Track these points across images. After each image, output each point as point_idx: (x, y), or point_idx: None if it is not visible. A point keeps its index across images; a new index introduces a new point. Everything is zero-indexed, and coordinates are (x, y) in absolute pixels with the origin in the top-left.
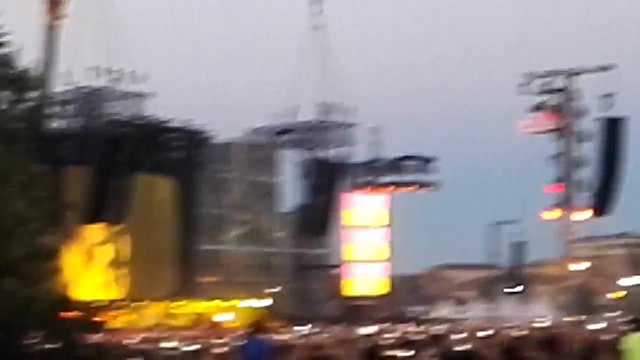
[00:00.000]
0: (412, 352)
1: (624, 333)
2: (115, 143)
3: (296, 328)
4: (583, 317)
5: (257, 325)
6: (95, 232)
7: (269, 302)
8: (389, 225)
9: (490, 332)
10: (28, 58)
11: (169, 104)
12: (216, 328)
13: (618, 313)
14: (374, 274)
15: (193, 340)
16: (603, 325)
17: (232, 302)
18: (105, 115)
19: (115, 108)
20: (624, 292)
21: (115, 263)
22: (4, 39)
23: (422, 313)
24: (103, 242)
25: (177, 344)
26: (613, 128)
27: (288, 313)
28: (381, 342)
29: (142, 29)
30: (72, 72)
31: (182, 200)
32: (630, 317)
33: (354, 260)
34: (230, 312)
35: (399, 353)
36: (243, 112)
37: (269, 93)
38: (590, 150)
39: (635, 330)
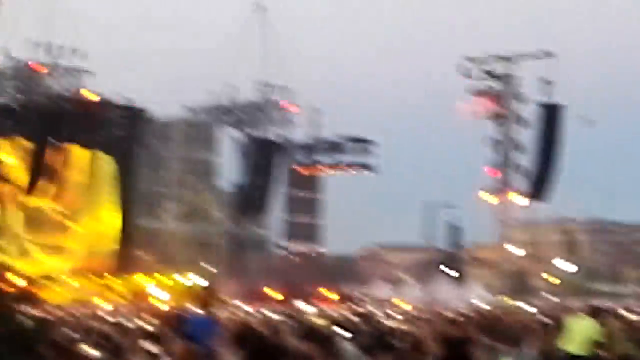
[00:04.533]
0: (349, 334)
1: (565, 316)
2: (53, 117)
3: (239, 306)
4: (519, 303)
5: (202, 301)
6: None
7: (207, 280)
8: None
9: (426, 314)
10: None
11: (109, 82)
12: (153, 305)
13: (555, 298)
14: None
15: (130, 315)
16: (537, 309)
17: (170, 280)
18: (44, 90)
19: (53, 84)
20: (560, 278)
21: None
22: None
23: (357, 293)
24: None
25: (118, 320)
26: (551, 115)
27: (227, 291)
28: (318, 321)
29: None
30: (10, 47)
31: (120, 177)
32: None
33: None
34: (167, 290)
35: (337, 330)
36: (183, 90)
37: (208, 72)
38: (529, 136)
39: (586, 315)
